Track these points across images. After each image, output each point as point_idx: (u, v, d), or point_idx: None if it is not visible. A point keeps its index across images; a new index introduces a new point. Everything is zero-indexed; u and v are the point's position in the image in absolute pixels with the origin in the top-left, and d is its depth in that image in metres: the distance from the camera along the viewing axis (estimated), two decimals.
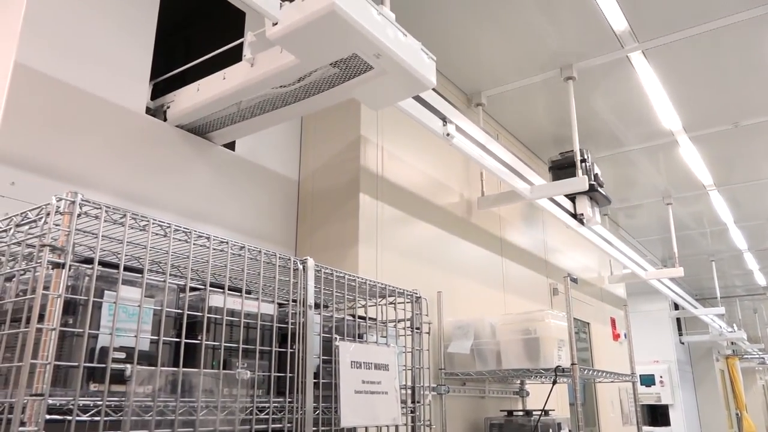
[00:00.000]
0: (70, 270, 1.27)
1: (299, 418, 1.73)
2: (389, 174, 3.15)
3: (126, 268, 1.40)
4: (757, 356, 13.01)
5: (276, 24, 1.85)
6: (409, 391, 2.27)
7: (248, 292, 1.72)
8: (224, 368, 1.58)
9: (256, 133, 2.76)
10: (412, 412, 2.25)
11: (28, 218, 1.37)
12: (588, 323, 5.54)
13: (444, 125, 2.89)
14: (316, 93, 2.28)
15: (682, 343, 10.68)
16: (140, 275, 1.44)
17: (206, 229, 2.53)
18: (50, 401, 1.19)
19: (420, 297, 2.36)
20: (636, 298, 9.64)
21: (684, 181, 5.91)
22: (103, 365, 1.31)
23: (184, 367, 1.45)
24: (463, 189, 3.89)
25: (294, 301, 1.83)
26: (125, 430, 1.31)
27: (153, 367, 1.40)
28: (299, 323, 1.80)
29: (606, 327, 5.99)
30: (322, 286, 1.96)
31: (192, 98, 2.40)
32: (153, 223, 1.46)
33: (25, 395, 1.15)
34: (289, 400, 1.73)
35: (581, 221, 4.25)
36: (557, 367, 2.94)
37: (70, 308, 1.32)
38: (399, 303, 2.30)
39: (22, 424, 1.13)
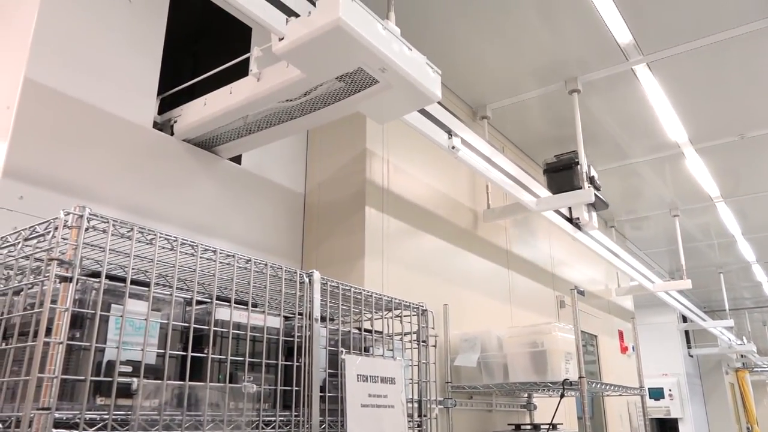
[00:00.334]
0: (77, 284, 1.28)
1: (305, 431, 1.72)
2: (395, 187, 3.16)
3: (133, 282, 1.41)
4: None
5: (282, 39, 1.87)
6: (416, 405, 2.25)
7: (254, 306, 1.72)
8: (230, 382, 1.58)
9: (263, 146, 2.77)
10: (418, 426, 2.23)
11: (37, 232, 1.38)
12: (595, 336, 5.50)
13: (449, 138, 2.90)
14: (322, 107, 2.29)
15: (691, 356, 10.59)
16: (147, 289, 1.44)
17: (212, 243, 2.54)
18: (57, 415, 1.19)
19: (426, 310, 2.36)
20: (644, 311, 9.57)
21: (690, 193, 5.89)
22: (110, 379, 1.31)
23: (190, 380, 1.45)
24: (469, 201, 3.89)
25: (300, 314, 1.83)
26: None
27: (159, 381, 1.40)
28: (305, 336, 1.80)
29: (614, 340, 5.95)
30: (328, 299, 1.95)
31: (199, 112, 2.42)
32: (160, 237, 1.46)
33: (32, 409, 1.15)
34: (296, 413, 1.72)
35: (578, 225, 4.18)
36: (565, 380, 2.92)
37: (77, 322, 1.32)
38: (405, 316, 2.29)
39: None
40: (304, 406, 1.74)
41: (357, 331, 2.07)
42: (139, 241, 1.42)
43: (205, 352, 1.53)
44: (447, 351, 3.25)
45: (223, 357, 1.58)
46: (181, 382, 1.44)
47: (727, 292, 9.58)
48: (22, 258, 1.42)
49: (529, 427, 3.54)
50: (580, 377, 2.85)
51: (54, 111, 2.10)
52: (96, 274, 1.35)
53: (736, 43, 3.59)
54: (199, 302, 1.61)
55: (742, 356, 11.72)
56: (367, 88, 2.12)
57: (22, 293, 1.40)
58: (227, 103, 2.30)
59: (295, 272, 1.83)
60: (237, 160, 2.80)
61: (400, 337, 2.26)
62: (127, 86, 2.37)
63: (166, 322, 1.47)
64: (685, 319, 9.64)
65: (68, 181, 2.10)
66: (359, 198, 2.94)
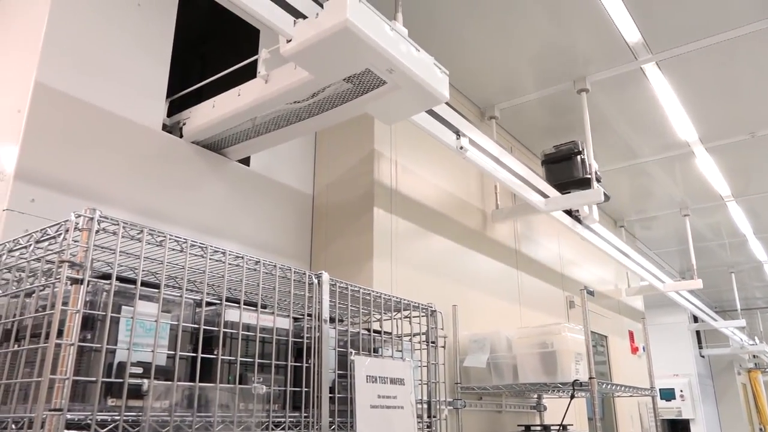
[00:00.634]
0: (88, 285, 1.28)
1: None
2: (403, 188, 3.16)
3: (143, 284, 1.41)
4: None
5: (290, 41, 1.88)
6: (425, 406, 2.25)
7: (263, 307, 1.72)
8: (240, 383, 1.58)
9: (271, 148, 2.78)
10: (428, 427, 2.23)
11: (48, 234, 1.39)
12: (605, 336, 5.47)
13: (457, 139, 2.90)
14: (330, 108, 2.29)
15: (703, 357, 10.51)
16: (157, 290, 1.45)
17: (222, 244, 2.55)
18: (68, 416, 1.20)
19: (435, 310, 2.35)
20: (654, 311, 9.51)
21: (701, 192, 5.85)
22: (121, 380, 1.32)
23: (200, 381, 1.46)
24: (478, 202, 3.88)
25: (309, 315, 1.83)
26: None
27: (170, 382, 1.41)
28: (314, 337, 1.80)
29: (624, 340, 5.92)
30: (337, 300, 1.96)
31: (207, 115, 2.43)
32: (170, 239, 1.47)
33: (44, 410, 1.16)
34: (305, 414, 1.73)
35: (577, 219, 4.11)
36: (575, 381, 2.91)
37: (88, 323, 1.33)
38: (414, 317, 2.29)
39: None
40: (313, 407, 1.74)
41: (366, 332, 2.07)
42: (149, 243, 1.43)
43: (215, 353, 1.54)
44: (456, 352, 3.24)
45: (233, 358, 1.59)
46: (192, 384, 1.45)
47: (739, 291, 9.50)
48: (33, 260, 1.43)
49: (539, 428, 3.52)
50: (590, 378, 2.84)
51: (64, 114, 2.12)
52: (106, 276, 1.36)
53: (746, 42, 3.56)
54: (208, 303, 1.62)
55: (754, 356, 11.61)
56: (374, 89, 2.13)
57: (33, 295, 1.41)
58: (236, 105, 2.31)
59: (304, 273, 1.83)
60: (246, 161, 2.81)
61: (409, 338, 2.26)
62: (137, 89, 2.38)
63: (176, 323, 1.48)
64: (696, 319, 9.57)
65: (79, 184, 2.11)
66: (367, 199, 2.94)
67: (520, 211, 3.89)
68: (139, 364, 1.37)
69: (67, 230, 1.31)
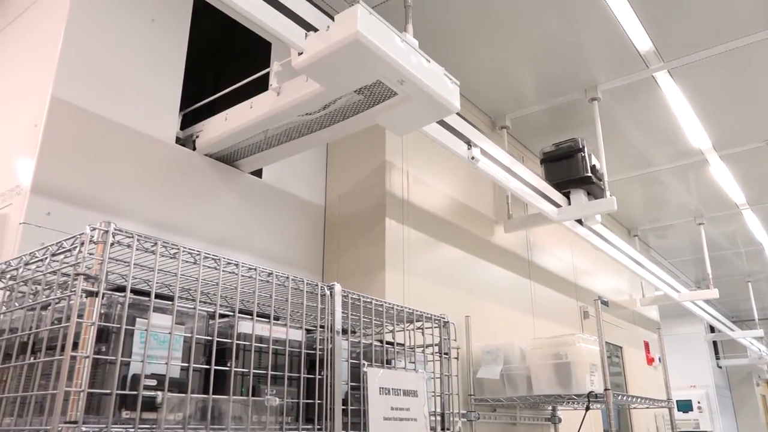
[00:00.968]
0: (103, 298, 1.29)
1: None
2: (415, 198, 3.16)
3: (157, 296, 1.42)
4: None
5: (301, 53, 1.89)
6: (439, 418, 2.23)
7: (276, 319, 1.72)
8: (253, 395, 1.58)
9: (283, 160, 2.80)
10: None
11: (64, 247, 1.40)
12: (620, 347, 5.41)
13: (469, 149, 2.90)
14: (341, 120, 2.30)
15: (720, 368, 10.35)
16: (171, 302, 1.45)
17: (234, 256, 2.55)
18: (84, 428, 1.20)
19: (448, 321, 2.34)
20: (670, 321, 9.40)
21: (716, 200, 5.79)
22: (135, 392, 1.32)
23: (213, 394, 1.46)
24: (490, 212, 3.87)
25: (322, 327, 1.83)
26: None
27: (183, 395, 1.41)
28: (327, 349, 1.80)
29: (639, 351, 5.85)
30: (350, 311, 1.95)
31: (220, 127, 2.45)
32: (183, 251, 1.48)
33: (60, 422, 1.17)
34: (318, 426, 1.72)
35: (579, 220, 4.02)
36: (590, 392, 2.87)
37: (102, 336, 1.34)
38: (427, 328, 2.28)
39: None
40: (326, 419, 1.74)
41: (378, 343, 2.06)
42: (162, 256, 1.44)
43: (229, 365, 1.54)
44: (469, 363, 3.22)
45: (246, 370, 1.59)
46: (205, 396, 1.45)
47: (756, 301, 9.36)
48: (49, 273, 1.45)
49: None
50: (605, 389, 2.80)
51: (80, 128, 2.15)
52: (121, 289, 1.37)
53: (758, 48, 3.53)
54: (221, 315, 1.62)
55: None
56: (385, 101, 2.13)
57: (49, 308, 1.42)
58: (248, 118, 2.33)
59: (317, 285, 1.83)
60: (258, 173, 2.83)
61: (422, 349, 2.25)
62: (151, 103, 2.41)
63: (189, 335, 1.49)
64: (712, 329, 9.44)
65: (94, 197, 2.13)
66: (379, 210, 2.95)
67: (532, 221, 3.87)
68: (153, 376, 1.38)
69: (82, 243, 1.33)
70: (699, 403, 9.27)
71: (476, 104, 4.12)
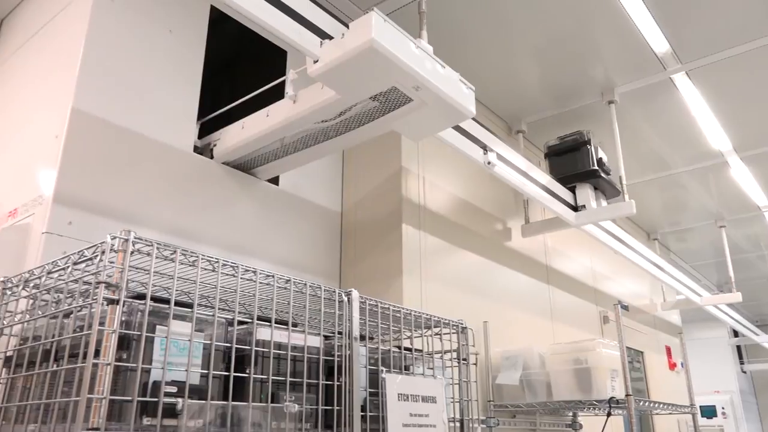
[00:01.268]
0: (124, 306, 1.31)
1: None
2: (431, 204, 3.16)
3: (177, 303, 1.43)
4: None
5: (317, 61, 1.90)
6: (458, 424, 2.22)
7: (294, 325, 1.73)
8: (272, 401, 1.59)
9: (300, 167, 2.81)
10: None
11: (85, 256, 1.42)
12: (642, 352, 5.34)
13: (485, 154, 2.89)
14: (357, 126, 2.31)
15: (744, 372, 10.16)
16: (190, 310, 1.47)
17: (252, 263, 2.57)
18: None
19: (466, 327, 2.33)
20: (692, 326, 9.26)
21: (737, 202, 5.70)
22: (156, 399, 1.33)
23: (233, 400, 1.47)
24: (507, 216, 3.85)
25: (340, 333, 1.83)
26: None
27: (203, 401, 1.42)
28: (345, 356, 1.80)
29: (661, 356, 5.76)
30: (367, 317, 1.95)
31: (237, 136, 2.47)
32: (202, 259, 1.49)
33: (82, 429, 1.18)
34: None
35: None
36: (611, 398, 2.84)
37: (123, 343, 1.35)
38: (445, 334, 2.27)
39: None
40: (345, 425, 1.74)
41: (397, 349, 2.06)
42: (182, 263, 1.46)
43: (248, 372, 1.55)
44: (488, 369, 3.20)
45: (265, 377, 1.60)
46: (224, 402, 1.46)
47: None
48: (71, 281, 1.47)
49: None
50: (627, 395, 2.77)
51: (100, 138, 2.18)
52: (141, 296, 1.39)
53: None
54: (240, 322, 1.63)
55: None
56: (401, 107, 2.14)
57: (71, 316, 1.44)
58: (264, 126, 2.35)
59: (334, 291, 1.84)
60: (275, 181, 2.84)
61: (441, 355, 2.24)
62: (169, 112, 2.44)
63: (209, 342, 1.50)
64: (736, 333, 9.28)
65: (114, 206, 2.16)
66: (396, 216, 2.95)
67: (550, 226, 3.85)
68: (173, 383, 1.39)
69: (103, 252, 1.34)
70: (723, 408, 9.11)
71: (492, 109, 4.11)
